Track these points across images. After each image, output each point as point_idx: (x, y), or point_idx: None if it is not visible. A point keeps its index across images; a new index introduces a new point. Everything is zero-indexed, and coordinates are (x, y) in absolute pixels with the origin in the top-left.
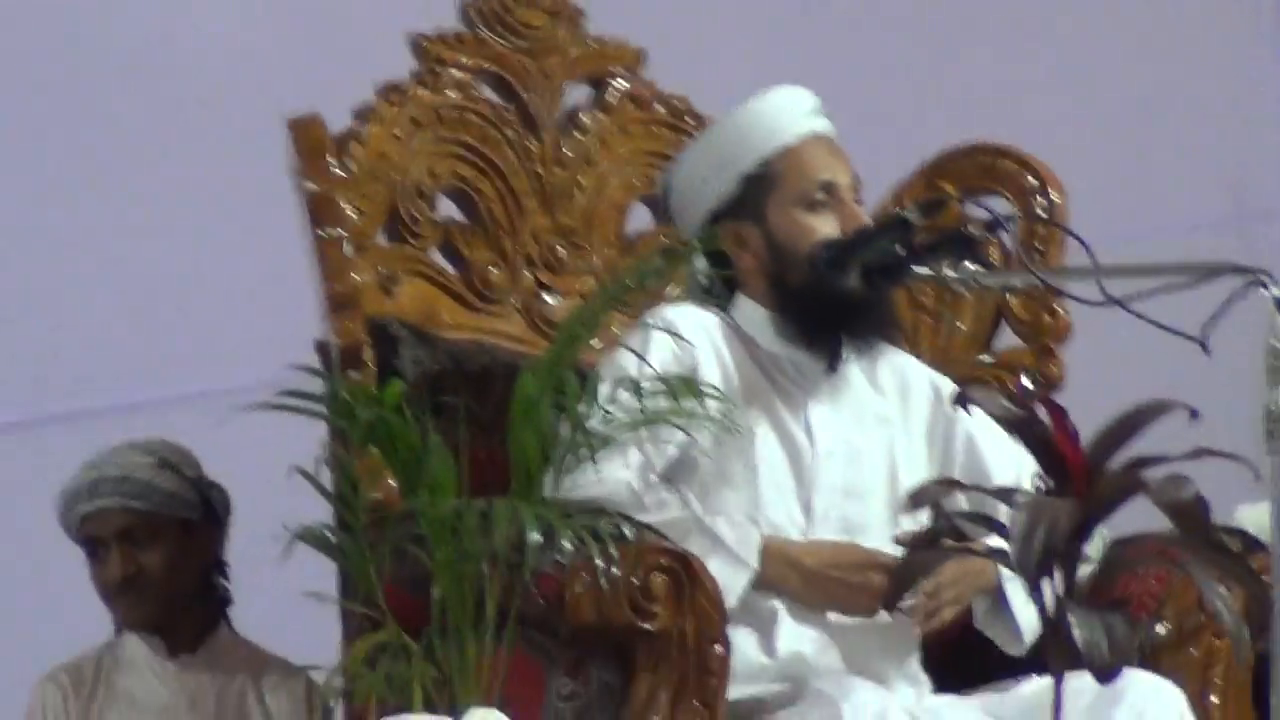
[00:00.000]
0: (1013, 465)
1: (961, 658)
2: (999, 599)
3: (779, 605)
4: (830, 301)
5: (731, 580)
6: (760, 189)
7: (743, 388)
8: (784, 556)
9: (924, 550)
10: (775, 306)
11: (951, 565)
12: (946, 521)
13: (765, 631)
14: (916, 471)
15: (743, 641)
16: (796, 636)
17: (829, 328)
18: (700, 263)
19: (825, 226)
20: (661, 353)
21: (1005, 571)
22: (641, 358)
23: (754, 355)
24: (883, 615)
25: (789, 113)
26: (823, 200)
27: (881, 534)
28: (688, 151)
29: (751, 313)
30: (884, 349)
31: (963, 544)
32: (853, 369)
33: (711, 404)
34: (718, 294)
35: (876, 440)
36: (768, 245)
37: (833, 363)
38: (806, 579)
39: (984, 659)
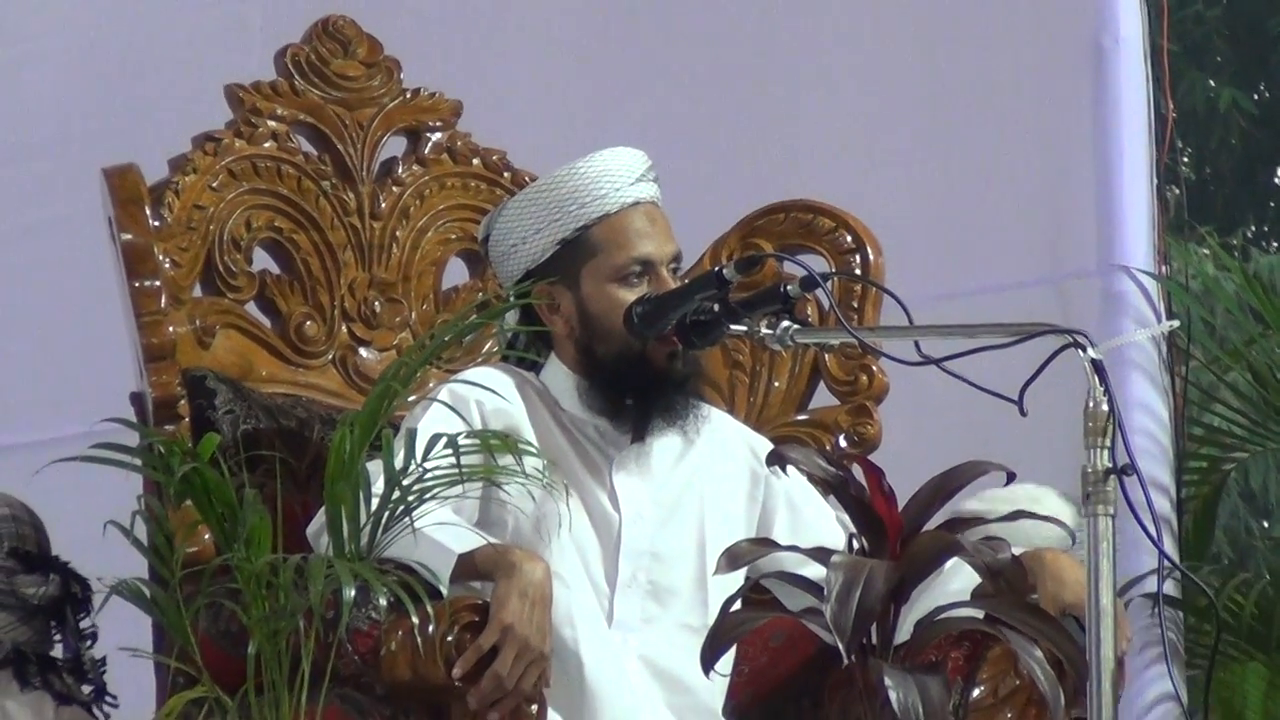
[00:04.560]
0: (834, 525)
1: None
2: None
3: (588, 676)
4: (639, 376)
5: (439, 562)
6: (577, 255)
7: (545, 452)
8: (499, 557)
9: (737, 612)
10: (583, 373)
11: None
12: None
13: (575, 704)
14: (730, 533)
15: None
16: (609, 706)
17: (636, 402)
18: (512, 319)
19: None
20: (469, 411)
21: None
22: (461, 415)
23: (558, 419)
24: (699, 680)
25: (613, 179)
26: (638, 273)
27: (691, 596)
28: (512, 203)
29: (560, 375)
30: (699, 407)
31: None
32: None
33: (529, 461)
34: (529, 349)
35: (686, 502)
36: (579, 313)
37: (639, 434)
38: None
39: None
